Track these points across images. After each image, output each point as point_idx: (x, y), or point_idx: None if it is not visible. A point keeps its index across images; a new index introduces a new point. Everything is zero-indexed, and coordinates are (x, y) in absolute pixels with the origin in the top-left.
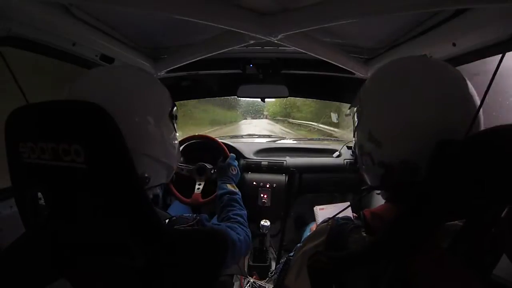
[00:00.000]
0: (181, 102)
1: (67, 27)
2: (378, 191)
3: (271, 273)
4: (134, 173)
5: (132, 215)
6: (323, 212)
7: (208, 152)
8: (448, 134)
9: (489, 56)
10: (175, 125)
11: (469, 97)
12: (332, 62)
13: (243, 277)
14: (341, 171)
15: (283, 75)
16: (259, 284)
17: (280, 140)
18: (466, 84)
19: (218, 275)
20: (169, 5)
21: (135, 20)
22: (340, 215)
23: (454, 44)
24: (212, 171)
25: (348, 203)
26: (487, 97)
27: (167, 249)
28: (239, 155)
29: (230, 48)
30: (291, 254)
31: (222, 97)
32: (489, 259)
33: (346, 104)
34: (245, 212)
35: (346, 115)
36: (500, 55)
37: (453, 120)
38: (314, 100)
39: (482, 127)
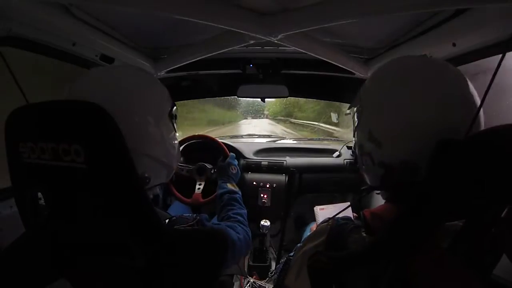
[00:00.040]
0: (179, 102)
1: (67, 27)
2: (378, 191)
3: (271, 273)
4: (134, 173)
5: (132, 215)
6: (323, 212)
7: (208, 152)
8: (448, 134)
9: (489, 56)
10: (175, 125)
11: (470, 96)
12: (332, 62)
13: (243, 277)
14: (341, 171)
15: (283, 75)
16: (259, 284)
17: (280, 140)
18: (467, 84)
19: (218, 275)
20: (169, 5)
21: (135, 20)
22: (340, 215)
23: (454, 44)
24: (212, 171)
25: (348, 203)
26: (487, 97)
27: (167, 249)
28: (239, 155)
29: (230, 48)
30: (291, 254)
31: (221, 97)
32: (489, 259)
33: (347, 104)
34: (245, 211)
35: (346, 114)
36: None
37: (453, 120)
38: None
39: (483, 127)
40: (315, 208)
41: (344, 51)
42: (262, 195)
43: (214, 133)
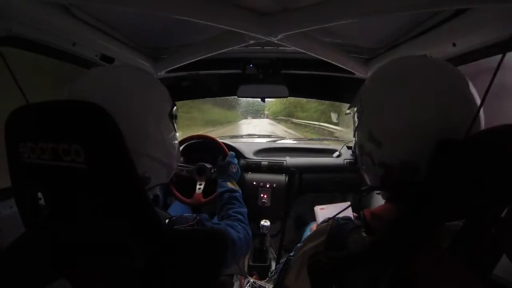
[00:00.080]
0: (178, 102)
1: (67, 27)
2: (378, 191)
3: (271, 273)
4: (135, 173)
5: (133, 215)
6: (324, 212)
7: (208, 152)
8: (448, 134)
9: (489, 56)
10: (175, 125)
11: (470, 97)
12: (332, 62)
13: (243, 277)
14: (341, 171)
15: (283, 75)
16: (259, 284)
17: (280, 140)
18: (467, 84)
19: (218, 275)
20: (169, 5)
21: (135, 20)
22: (340, 215)
23: (454, 44)
24: (212, 170)
25: (349, 203)
26: (487, 97)
27: (167, 249)
28: (239, 155)
29: (230, 48)
30: (291, 254)
31: (221, 97)
32: (489, 259)
33: (347, 104)
34: (246, 209)
35: (346, 114)
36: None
37: (453, 120)
38: None
39: (483, 127)
40: (315, 208)
41: (344, 51)
42: (262, 195)
43: (213, 133)
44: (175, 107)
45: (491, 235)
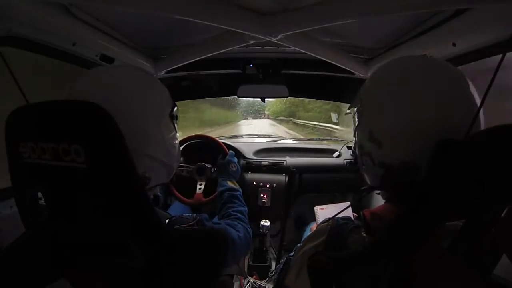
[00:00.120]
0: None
1: (67, 27)
2: (378, 191)
3: (271, 273)
4: (135, 173)
5: (133, 215)
6: (324, 212)
7: (208, 152)
8: (448, 134)
9: (489, 56)
10: (175, 125)
11: (470, 97)
12: (332, 62)
13: (243, 277)
14: (341, 171)
15: (283, 75)
16: (259, 284)
17: (280, 140)
18: (467, 84)
19: (218, 275)
20: (169, 5)
21: (135, 20)
22: (340, 215)
23: (454, 44)
24: (212, 170)
25: (349, 203)
26: (487, 96)
27: (167, 249)
28: (239, 155)
29: (230, 48)
30: (291, 254)
31: (220, 97)
32: (489, 259)
33: (347, 104)
34: (246, 208)
35: (346, 114)
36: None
37: (453, 120)
38: None
39: (483, 127)
40: (315, 208)
41: (344, 51)
42: (262, 195)
43: (211, 134)
44: (175, 108)
45: (491, 235)
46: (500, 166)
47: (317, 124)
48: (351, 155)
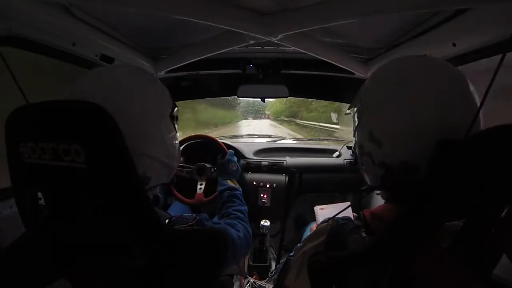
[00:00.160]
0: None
1: (67, 27)
2: (378, 191)
3: (271, 273)
4: (135, 173)
5: (133, 215)
6: (324, 212)
7: (207, 152)
8: (448, 134)
9: (489, 56)
10: (175, 125)
11: (470, 97)
12: (332, 62)
13: (243, 277)
14: (341, 171)
15: (283, 75)
16: (259, 284)
17: (280, 140)
18: (467, 84)
19: (218, 275)
20: (169, 5)
21: (135, 20)
22: (340, 215)
23: (454, 44)
24: (212, 170)
25: (349, 203)
26: (487, 96)
27: (167, 249)
28: (239, 155)
29: (230, 48)
30: (291, 254)
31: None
32: (489, 259)
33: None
34: (246, 207)
35: (346, 114)
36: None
37: (453, 120)
38: None
39: (483, 127)
40: (315, 208)
41: (344, 51)
42: (262, 195)
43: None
44: (176, 108)
45: (491, 235)
46: (500, 166)
47: (317, 124)
48: (351, 155)
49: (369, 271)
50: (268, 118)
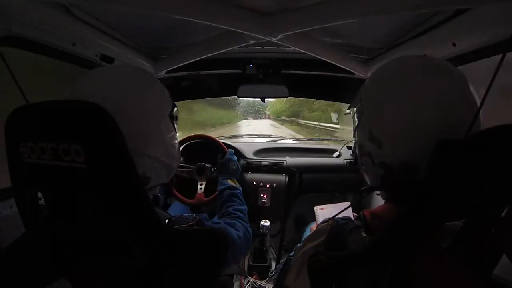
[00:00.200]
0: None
1: (67, 27)
2: (378, 192)
3: (271, 273)
4: (135, 173)
5: (133, 215)
6: (324, 212)
7: (207, 152)
8: (448, 134)
9: (489, 56)
10: (175, 125)
11: (470, 96)
12: (332, 62)
13: (243, 277)
14: (341, 171)
15: (283, 75)
16: (259, 284)
17: (280, 140)
18: (467, 84)
19: (219, 274)
20: (169, 5)
21: (135, 20)
22: (340, 215)
23: (454, 44)
24: (212, 170)
25: (349, 203)
26: (487, 96)
27: (167, 249)
28: (239, 155)
29: (230, 48)
30: (291, 254)
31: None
32: (489, 259)
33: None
34: (246, 207)
35: (346, 114)
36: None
37: (453, 120)
38: None
39: (483, 127)
40: (315, 208)
41: (344, 51)
42: (262, 195)
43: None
44: (175, 108)
45: (491, 235)
46: (500, 166)
47: (317, 124)
48: (351, 155)
49: (369, 271)
50: (269, 118)
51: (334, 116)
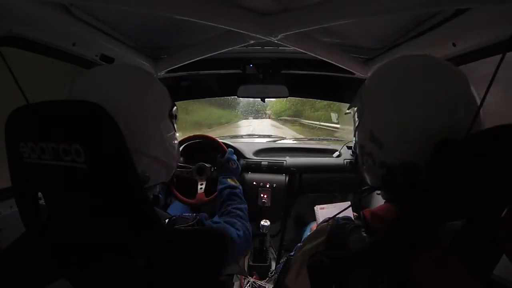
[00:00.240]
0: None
1: (67, 27)
2: (379, 192)
3: (271, 273)
4: (135, 173)
5: (132, 215)
6: (324, 212)
7: (207, 152)
8: (449, 134)
9: (489, 56)
10: (174, 125)
11: (470, 96)
12: (332, 62)
13: (243, 277)
14: (341, 171)
15: (283, 75)
16: (259, 284)
17: (280, 140)
18: (467, 84)
19: (219, 274)
20: (169, 5)
21: (135, 20)
22: (340, 215)
23: (454, 44)
24: (212, 169)
25: (349, 203)
26: (488, 96)
27: (167, 249)
28: (239, 155)
29: (230, 48)
30: (291, 254)
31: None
32: (489, 259)
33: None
34: (246, 206)
35: (345, 114)
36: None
37: (454, 120)
38: None
39: (483, 127)
40: (315, 208)
41: (344, 51)
42: (262, 195)
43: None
44: (175, 107)
45: (491, 235)
46: (500, 166)
47: (317, 124)
48: (351, 155)
49: (369, 271)
50: (269, 118)
51: (334, 116)
